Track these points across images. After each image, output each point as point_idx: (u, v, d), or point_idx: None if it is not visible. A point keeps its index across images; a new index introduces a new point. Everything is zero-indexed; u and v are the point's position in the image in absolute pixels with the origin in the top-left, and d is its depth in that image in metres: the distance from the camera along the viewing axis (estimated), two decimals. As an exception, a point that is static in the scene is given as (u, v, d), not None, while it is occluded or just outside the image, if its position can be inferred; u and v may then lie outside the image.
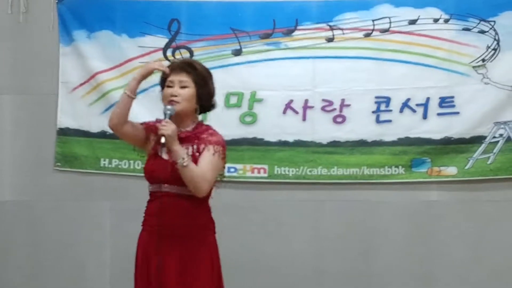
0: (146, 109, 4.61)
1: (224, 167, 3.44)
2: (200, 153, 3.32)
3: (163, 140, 3.21)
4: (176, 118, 3.35)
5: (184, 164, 3.20)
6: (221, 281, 3.45)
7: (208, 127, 3.44)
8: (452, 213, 5.09)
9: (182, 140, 3.32)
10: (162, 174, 3.31)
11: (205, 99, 3.43)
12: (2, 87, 5.30)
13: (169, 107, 3.32)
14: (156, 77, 3.54)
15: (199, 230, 3.37)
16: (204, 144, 3.34)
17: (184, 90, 3.37)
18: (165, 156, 3.34)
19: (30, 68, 5.29)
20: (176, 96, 3.35)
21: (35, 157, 5.29)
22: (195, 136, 3.38)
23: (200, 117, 3.45)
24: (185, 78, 3.37)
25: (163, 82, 3.44)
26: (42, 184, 5.27)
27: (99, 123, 5.18)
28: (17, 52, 5.31)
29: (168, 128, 3.23)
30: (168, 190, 3.33)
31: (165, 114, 3.30)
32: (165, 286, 3.28)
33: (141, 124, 3.49)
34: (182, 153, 3.24)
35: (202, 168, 3.27)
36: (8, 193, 5.29)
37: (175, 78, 3.38)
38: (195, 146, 3.34)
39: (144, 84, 4.69)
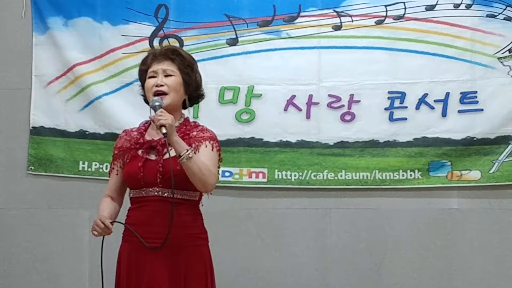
0: (130, 105, 4.79)
1: (219, 166, 3.35)
2: (195, 152, 3.18)
3: (164, 130, 3.05)
4: None
5: (190, 155, 3.05)
6: None
7: (196, 124, 3.34)
8: (474, 223, 4.91)
9: None
10: (152, 176, 3.16)
11: (193, 88, 3.32)
12: (-34, 81, 5.24)
13: (156, 98, 3.18)
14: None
15: (193, 240, 3.21)
16: (198, 142, 3.21)
17: (169, 78, 3.24)
18: (152, 157, 3.20)
19: (-1, 60, 5.20)
20: (162, 85, 3.21)
21: (4, 160, 5.13)
22: (184, 133, 3.23)
23: (186, 114, 3.35)
24: (169, 66, 3.26)
25: (143, 75, 3.29)
26: (13, 190, 5.11)
27: (77, 121, 5.06)
28: (-16, 42, 5.24)
29: (167, 117, 3.07)
30: (157, 194, 3.16)
31: (154, 107, 3.15)
32: None
33: (115, 171, 3.33)
34: (184, 144, 3.10)
35: (205, 161, 3.14)
36: (-27, 200, 5.19)
37: (158, 67, 3.25)
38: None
39: (127, 78, 4.96)
